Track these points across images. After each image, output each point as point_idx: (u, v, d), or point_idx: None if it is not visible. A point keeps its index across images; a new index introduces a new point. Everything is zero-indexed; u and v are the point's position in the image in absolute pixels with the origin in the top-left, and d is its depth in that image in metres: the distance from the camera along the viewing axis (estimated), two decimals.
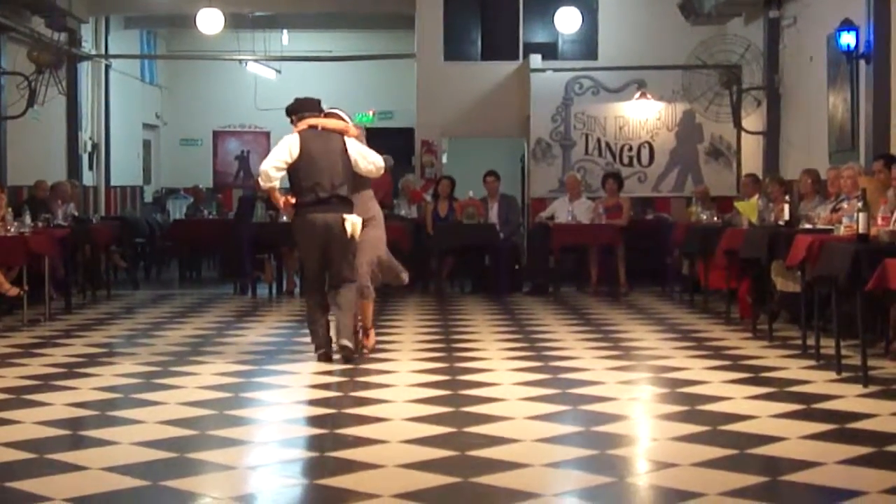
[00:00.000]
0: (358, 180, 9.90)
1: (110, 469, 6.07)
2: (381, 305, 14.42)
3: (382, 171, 10.06)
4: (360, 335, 10.13)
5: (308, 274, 10.15)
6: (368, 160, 9.83)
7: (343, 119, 9.99)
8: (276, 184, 9.80)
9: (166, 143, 25.10)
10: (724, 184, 18.04)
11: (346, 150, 9.75)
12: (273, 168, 9.67)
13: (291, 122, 9.99)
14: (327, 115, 9.97)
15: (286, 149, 9.71)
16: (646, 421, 7.63)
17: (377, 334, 11.32)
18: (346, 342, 9.60)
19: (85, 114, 19.88)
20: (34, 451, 6.51)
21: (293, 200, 9.76)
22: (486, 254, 16.52)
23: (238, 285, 16.27)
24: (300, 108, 9.98)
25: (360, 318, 10.13)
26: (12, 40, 16.60)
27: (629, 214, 16.59)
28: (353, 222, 9.63)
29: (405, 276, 10.67)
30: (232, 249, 16.65)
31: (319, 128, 9.79)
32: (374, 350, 10.21)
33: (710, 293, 14.05)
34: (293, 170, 9.72)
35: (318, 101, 10.12)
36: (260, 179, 9.94)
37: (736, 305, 12.76)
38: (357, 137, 9.92)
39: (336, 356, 9.71)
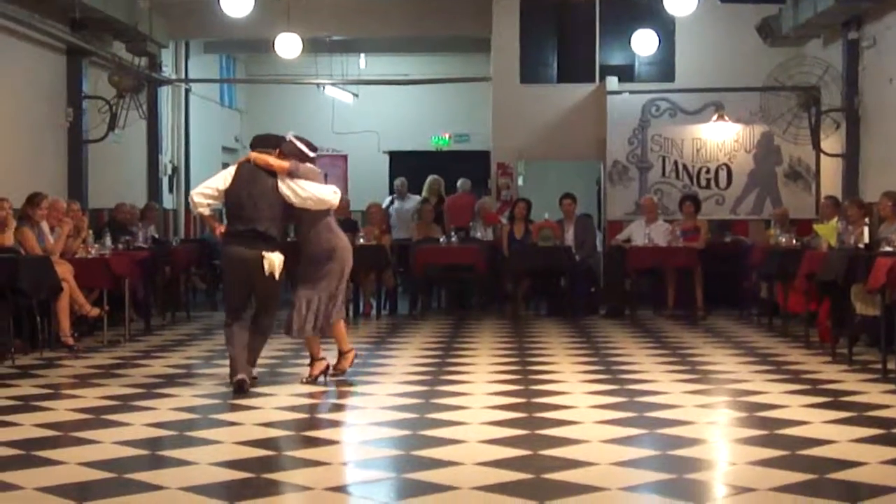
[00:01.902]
0: (310, 213, 9.78)
1: (188, 489, 6.12)
2: (456, 327, 14.47)
3: (327, 204, 9.76)
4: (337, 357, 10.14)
5: (227, 302, 10.12)
6: (301, 195, 9.64)
7: (295, 149, 9.84)
8: (206, 210, 9.80)
9: None
10: (803, 206, 17.88)
11: (277, 186, 9.64)
12: (199, 194, 9.73)
13: None
14: (280, 150, 9.82)
15: (221, 178, 9.77)
16: (723, 445, 7.56)
17: (452, 355, 11.38)
18: (241, 375, 9.48)
19: (165, 137, 20.11)
20: (113, 470, 6.57)
21: (222, 229, 9.88)
22: (562, 276, 16.46)
23: None
24: (255, 144, 9.94)
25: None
26: (94, 65, 16.86)
27: (707, 237, 16.47)
28: (270, 260, 9.48)
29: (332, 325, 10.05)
30: None
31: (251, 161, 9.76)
32: (341, 373, 10.07)
33: (789, 317, 13.92)
34: (225, 200, 9.76)
35: (276, 137, 10.01)
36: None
37: (815, 329, 12.62)
38: (293, 170, 9.66)
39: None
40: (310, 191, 9.69)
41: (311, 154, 9.95)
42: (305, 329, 9.88)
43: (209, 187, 9.73)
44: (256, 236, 9.55)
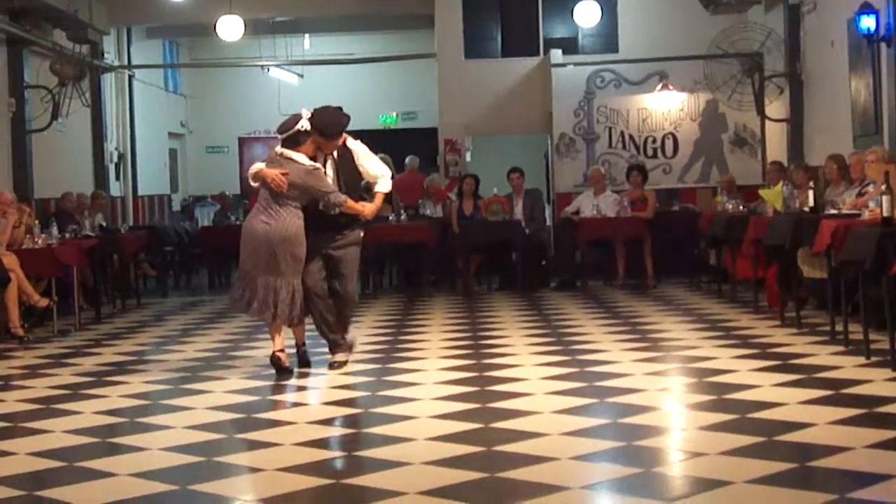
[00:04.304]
0: None
1: (140, 475, 6.11)
2: (408, 305, 14.49)
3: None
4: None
5: None
6: None
7: None
8: None
9: (192, 151, 25.22)
10: (750, 172, 17.96)
11: None
12: None
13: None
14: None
15: None
16: (674, 411, 7.61)
17: (404, 332, 11.45)
18: None
19: (110, 125, 19.98)
20: (64, 459, 6.55)
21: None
22: (513, 250, 16.49)
23: None
24: None
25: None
26: (35, 54, 16.70)
27: (655, 206, 16.53)
28: None
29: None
30: None
31: None
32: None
33: (737, 282, 14.01)
34: None
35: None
36: None
37: (764, 294, 12.72)
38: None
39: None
40: None
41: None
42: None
43: None
44: None
